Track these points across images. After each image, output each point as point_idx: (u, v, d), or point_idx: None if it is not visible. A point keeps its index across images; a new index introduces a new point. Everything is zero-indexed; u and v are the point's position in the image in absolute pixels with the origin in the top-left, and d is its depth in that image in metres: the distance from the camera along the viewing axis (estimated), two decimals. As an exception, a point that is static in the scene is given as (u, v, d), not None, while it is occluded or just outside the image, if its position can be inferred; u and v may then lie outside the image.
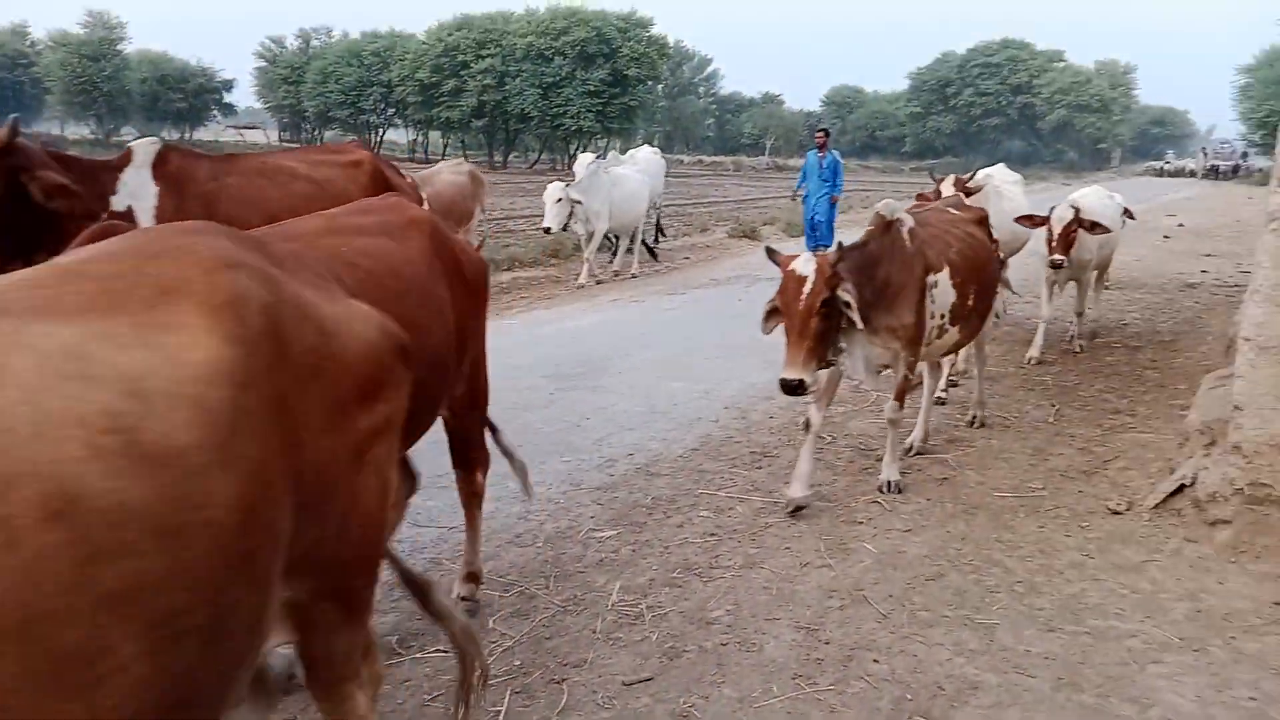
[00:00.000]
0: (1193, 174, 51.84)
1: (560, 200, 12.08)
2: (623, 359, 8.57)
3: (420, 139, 63.31)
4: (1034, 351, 8.52)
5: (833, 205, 13.77)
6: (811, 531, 4.89)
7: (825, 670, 3.59)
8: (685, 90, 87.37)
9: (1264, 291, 4.56)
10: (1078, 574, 4.42)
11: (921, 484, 5.59)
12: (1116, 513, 5.12)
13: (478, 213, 11.32)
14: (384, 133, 63.54)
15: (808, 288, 4.57)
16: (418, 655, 3.70)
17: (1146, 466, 5.80)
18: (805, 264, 4.66)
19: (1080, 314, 9.18)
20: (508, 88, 52.16)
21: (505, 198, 26.53)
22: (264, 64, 64.06)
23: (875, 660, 3.65)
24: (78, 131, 59.06)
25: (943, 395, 7.16)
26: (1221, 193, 37.22)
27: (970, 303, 5.60)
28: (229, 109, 64.79)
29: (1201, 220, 24.11)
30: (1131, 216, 10.52)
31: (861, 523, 5.02)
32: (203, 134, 63.34)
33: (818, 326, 4.61)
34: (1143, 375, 8.25)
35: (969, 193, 7.79)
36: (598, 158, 13.75)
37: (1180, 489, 5.09)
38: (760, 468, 5.83)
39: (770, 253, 4.96)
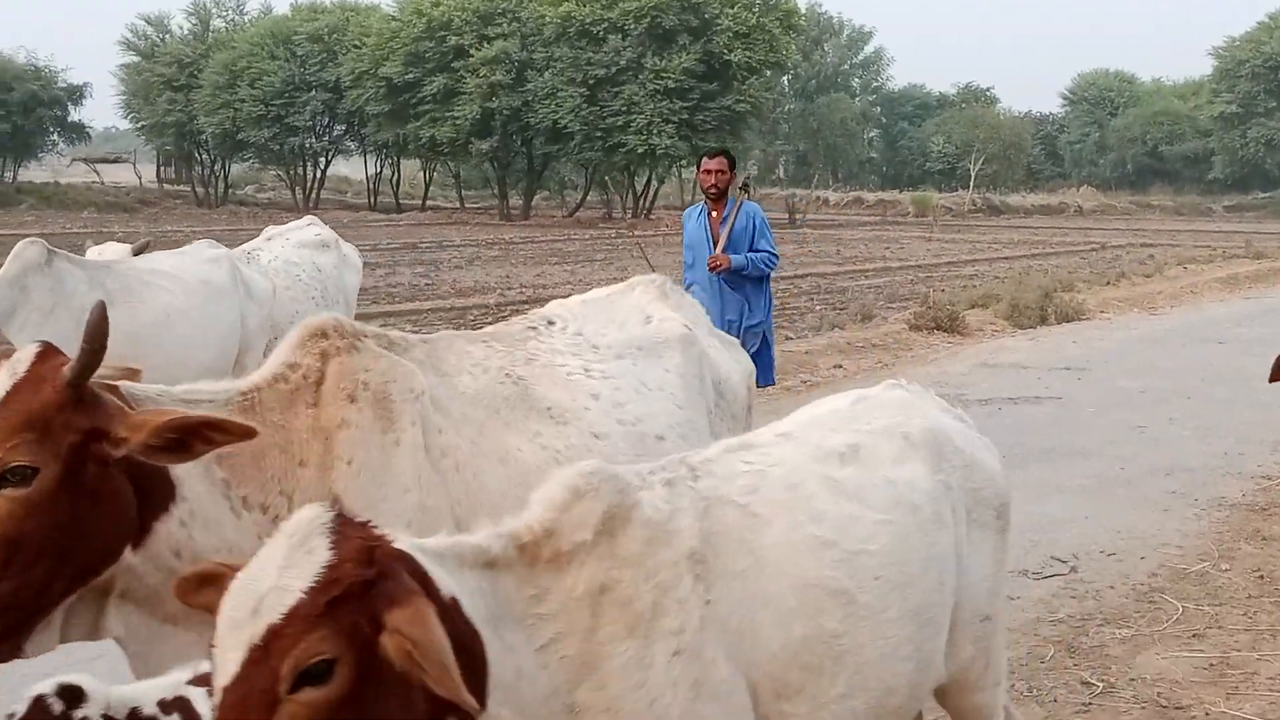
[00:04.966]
0: None
1: None
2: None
3: (388, 172, 63.05)
4: None
5: (769, 304, 11.54)
6: None
7: None
8: (829, 84, 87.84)
9: None
10: None
11: None
12: None
13: None
14: (328, 163, 63.84)
15: None
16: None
17: None
18: None
19: None
20: (530, 87, 52.72)
21: (531, 266, 29.53)
22: (134, 58, 64.32)
23: None
24: None
25: None
26: None
27: None
28: (78, 131, 64.69)
29: None
30: None
31: None
32: (37, 172, 63.28)
33: None
34: None
35: None
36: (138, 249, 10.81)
37: None
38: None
39: None
